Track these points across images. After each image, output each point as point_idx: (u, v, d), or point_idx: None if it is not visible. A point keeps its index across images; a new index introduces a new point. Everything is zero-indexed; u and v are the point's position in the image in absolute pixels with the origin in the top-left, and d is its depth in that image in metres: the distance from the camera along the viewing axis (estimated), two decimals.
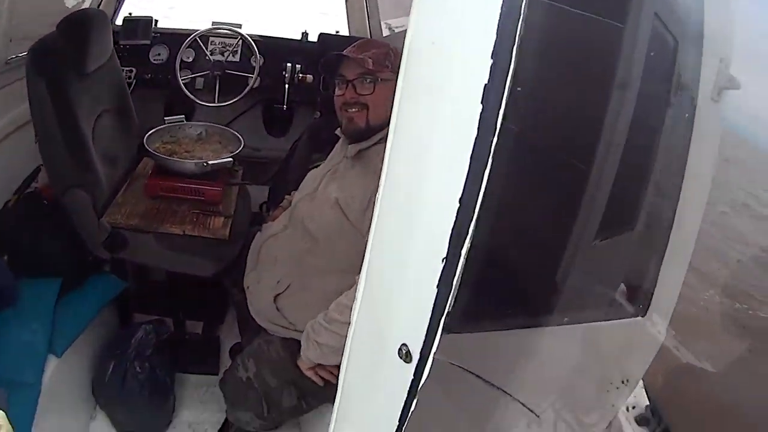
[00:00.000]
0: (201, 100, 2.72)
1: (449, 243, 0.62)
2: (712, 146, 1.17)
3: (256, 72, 2.73)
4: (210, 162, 2.03)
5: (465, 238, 0.62)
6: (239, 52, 2.84)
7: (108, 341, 2.07)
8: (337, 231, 1.56)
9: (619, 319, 1.21)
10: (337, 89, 1.58)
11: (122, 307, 2.32)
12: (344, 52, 1.53)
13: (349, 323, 1.30)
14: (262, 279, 1.74)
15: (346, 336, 1.33)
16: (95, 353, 2.00)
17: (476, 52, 0.59)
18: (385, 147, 0.76)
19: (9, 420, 0.93)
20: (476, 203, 0.61)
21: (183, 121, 2.32)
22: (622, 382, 1.29)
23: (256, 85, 2.73)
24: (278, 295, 1.65)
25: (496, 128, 0.59)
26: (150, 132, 2.17)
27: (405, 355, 0.68)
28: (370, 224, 1.31)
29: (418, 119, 0.68)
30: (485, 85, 0.58)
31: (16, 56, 2.13)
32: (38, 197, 2.16)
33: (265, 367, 1.62)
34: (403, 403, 0.72)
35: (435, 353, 0.66)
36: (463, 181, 0.60)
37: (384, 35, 3.05)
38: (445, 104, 0.64)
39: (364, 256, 0.80)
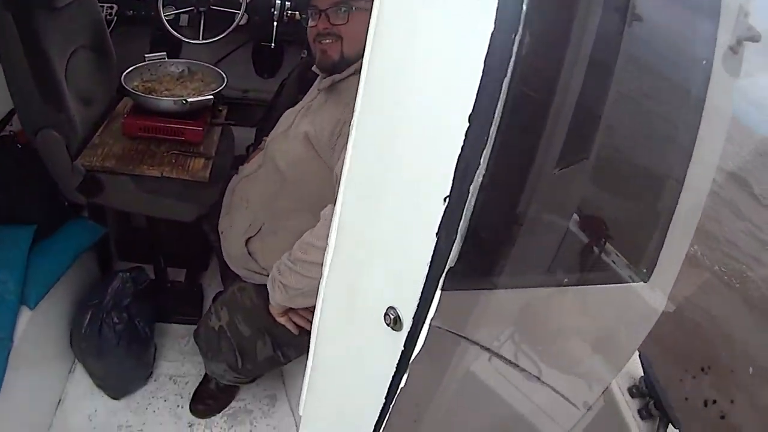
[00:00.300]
0: (186, 38, 2.54)
1: (454, 177, 0.49)
2: (725, 109, 1.05)
3: (242, 8, 2.54)
4: (190, 100, 1.89)
5: (476, 171, 0.48)
6: None
7: (86, 291, 2.00)
8: (306, 167, 1.49)
9: (621, 283, 1.09)
10: (310, 20, 1.49)
11: (102, 255, 2.24)
12: None
13: (315, 263, 1.20)
14: (234, 223, 1.68)
15: (313, 276, 1.25)
16: (73, 304, 1.94)
17: None
18: (359, 79, 0.64)
19: None
20: (491, 123, 0.47)
21: (164, 59, 2.16)
22: (618, 350, 1.22)
23: (243, 22, 2.56)
24: (250, 238, 1.60)
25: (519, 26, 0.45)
26: (128, 70, 2.02)
27: (393, 321, 0.55)
28: (341, 159, 1.23)
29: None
30: None
31: None
32: (12, 141, 2.05)
33: (238, 316, 1.57)
34: (390, 379, 0.58)
35: (432, 319, 0.52)
36: (474, 94, 0.46)
37: None
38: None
39: (335, 195, 0.69)
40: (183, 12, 2.56)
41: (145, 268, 2.07)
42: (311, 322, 1.50)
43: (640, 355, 1.45)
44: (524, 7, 0.46)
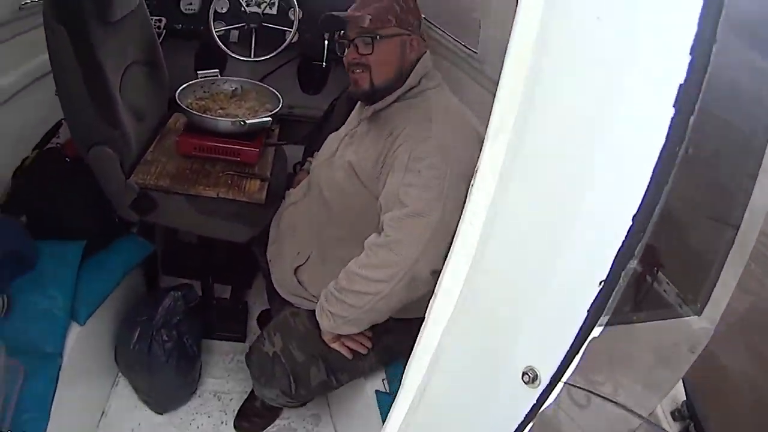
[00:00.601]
0: (235, 54, 2.56)
1: (613, 265, 0.55)
2: None
3: (294, 26, 2.56)
4: (248, 121, 1.89)
5: (629, 260, 0.54)
6: (276, 4, 2.66)
7: (133, 306, 1.98)
8: (351, 196, 1.49)
9: (678, 318, 1.13)
10: (345, 50, 1.48)
11: (149, 270, 2.22)
12: (347, 12, 1.43)
13: (360, 292, 1.33)
14: (282, 251, 1.70)
15: (358, 305, 1.35)
16: (119, 318, 1.93)
17: (668, 43, 0.49)
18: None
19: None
20: (650, 221, 0.52)
21: (217, 76, 2.17)
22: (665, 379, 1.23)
23: (294, 39, 2.57)
24: (298, 267, 1.61)
25: (686, 135, 0.49)
26: (182, 86, 2.03)
27: (531, 379, 0.60)
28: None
29: (573, 105, 0.56)
30: (681, 85, 0.48)
31: (31, 1, 2.00)
32: (59, 154, 2.07)
33: (292, 342, 1.56)
34: (516, 427, 0.63)
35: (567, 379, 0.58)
36: (642, 195, 0.52)
37: None
38: (619, 97, 0.53)
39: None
40: (234, 28, 2.58)
41: (193, 285, 2.07)
42: (364, 346, 1.51)
43: (683, 381, 1.45)
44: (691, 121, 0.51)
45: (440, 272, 1.24)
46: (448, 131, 1.37)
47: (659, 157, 0.51)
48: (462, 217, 0.72)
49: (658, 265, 1.07)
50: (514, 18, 0.63)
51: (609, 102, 0.55)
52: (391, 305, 1.34)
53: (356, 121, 1.58)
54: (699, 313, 1.13)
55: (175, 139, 1.99)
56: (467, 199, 0.71)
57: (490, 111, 0.66)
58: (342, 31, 1.46)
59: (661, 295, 1.06)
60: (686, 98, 0.49)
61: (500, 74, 0.63)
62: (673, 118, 0.50)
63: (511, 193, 0.64)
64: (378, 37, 1.39)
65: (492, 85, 2.02)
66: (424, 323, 0.82)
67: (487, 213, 0.67)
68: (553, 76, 0.58)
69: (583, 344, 0.57)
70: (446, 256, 1.18)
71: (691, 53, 0.48)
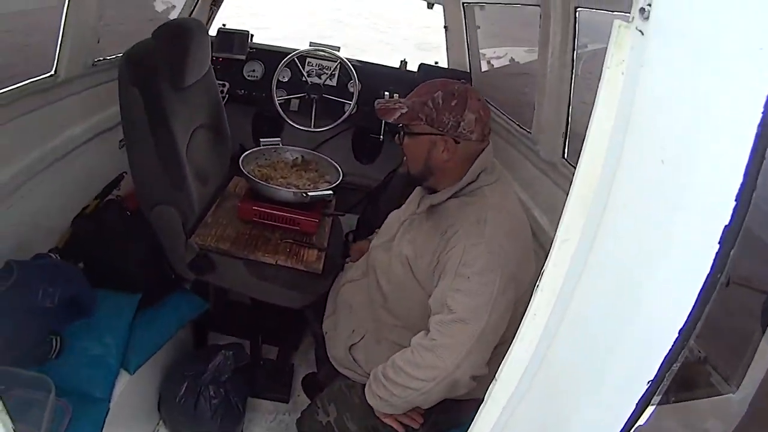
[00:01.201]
0: (295, 123, 2.63)
1: (660, 368, 0.65)
2: None
3: (354, 99, 2.63)
4: (310, 193, 1.92)
5: (674, 363, 0.65)
6: (337, 76, 2.75)
7: (181, 360, 2.00)
8: (406, 288, 1.49)
9: (715, 396, 1.21)
10: None
11: (198, 325, 2.22)
12: (382, 102, 1.49)
13: (403, 385, 1.34)
14: (338, 326, 1.68)
15: (399, 395, 1.36)
16: (166, 370, 1.95)
17: (718, 189, 0.60)
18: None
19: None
20: (692, 332, 0.64)
21: (279, 144, 2.21)
22: None
23: (353, 111, 2.63)
24: (353, 345, 1.60)
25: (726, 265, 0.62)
26: (246, 153, 2.08)
27: None
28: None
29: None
30: (725, 226, 0.60)
31: (104, 59, 2.10)
32: (119, 206, 2.13)
33: (347, 413, 1.55)
34: None
35: None
36: (687, 313, 0.63)
37: (483, 70, 2.92)
38: (675, 229, 0.64)
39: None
40: (295, 97, 2.65)
41: (243, 345, 2.08)
42: (416, 421, 1.48)
43: None
44: None
45: (480, 376, 1.30)
46: (501, 233, 1.35)
47: (704, 283, 0.61)
48: (527, 311, 0.76)
49: (701, 355, 1.11)
50: (568, 103, 0.78)
51: (666, 233, 0.63)
52: (432, 400, 1.35)
53: (415, 205, 1.56)
54: (735, 390, 1.16)
55: (237, 204, 2.01)
56: (532, 297, 0.75)
57: (543, 190, 0.76)
58: None
59: (700, 375, 1.16)
60: (729, 237, 0.59)
61: (570, 187, 0.70)
62: (717, 252, 0.60)
63: (576, 297, 0.72)
64: (402, 132, 1.43)
65: (545, 165, 2.06)
66: (483, 404, 0.85)
67: (551, 311, 0.73)
68: (617, 205, 0.67)
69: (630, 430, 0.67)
70: (488, 361, 1.31)
71: (736, 199, 0.58)
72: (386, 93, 2.67)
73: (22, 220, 1.76)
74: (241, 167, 1.99)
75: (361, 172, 3.00)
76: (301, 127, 2.61)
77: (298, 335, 2.39)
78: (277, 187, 1.98)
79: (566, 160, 1.96)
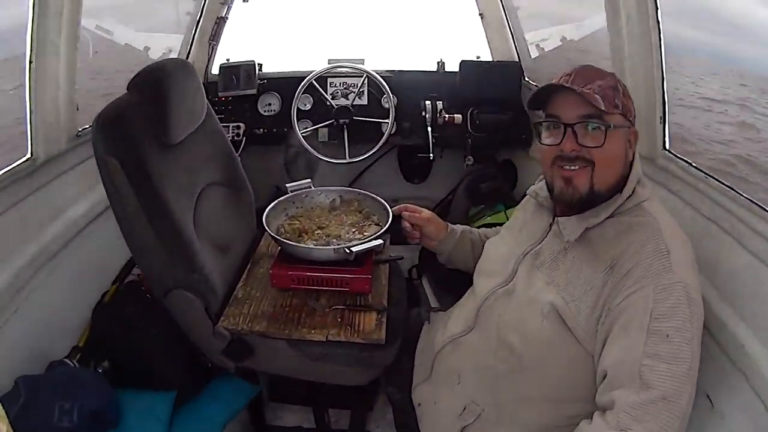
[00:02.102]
0: (327, 156, 2.22)
1: None
2: None
3: (391, 116, 2.21)
4: (354, 249, 1.49)
5: None
6: (366, 93, 2.34)
7: None
8: (555, 348, 1.14)
9: None
10: (544, 135, 1.18)
11: (254, 407, 1.93)
12: (566, 82, 1.13)
13: None
14: (440, 399, 1.37)
15: None
16: None
17: None
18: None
19: None
20: None
21: (310, 187, 1.80)
22: None
23: (393, 131, 2.21)
24: (466, 426, 1.28)
25: None
26: (270, 207, 1.68)
27: None
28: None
29: None
30: None
31: (89, 127, 1.77)
32: (139, 288, 1.86)
33: None
34: None
35: None
36: None
37: (533, 57, 2.46)
38: None
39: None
40: (321, 126, 2.26)
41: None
42: None
43: None
44: None
45: None
46: (689, 266, 1.06)
47: None
48: None
49: None
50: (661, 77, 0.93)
51: None
52: None
53: (539, 232, 1.28)
54: None
55: (269, 270, 1.60)
56: None
57: None
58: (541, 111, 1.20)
59: None
60: None
61: None
62: None
63: None
64: (611, 126, 1.09)
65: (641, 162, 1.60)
66: None
67: None
68: None
69: None
70: None
71: None
72: (427, 103, 2.24)
73: (32, 326, 1.54)
74: (266, 226, 1.58)
75: (415, 194, 2.62)
76: (335, 161, 2.20)
77: (371, 394, 2.01)
78: (311, 246, 1.57)
79: (669, 151, 1.56)
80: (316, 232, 1.66)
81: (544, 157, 1.19)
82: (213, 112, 1.70)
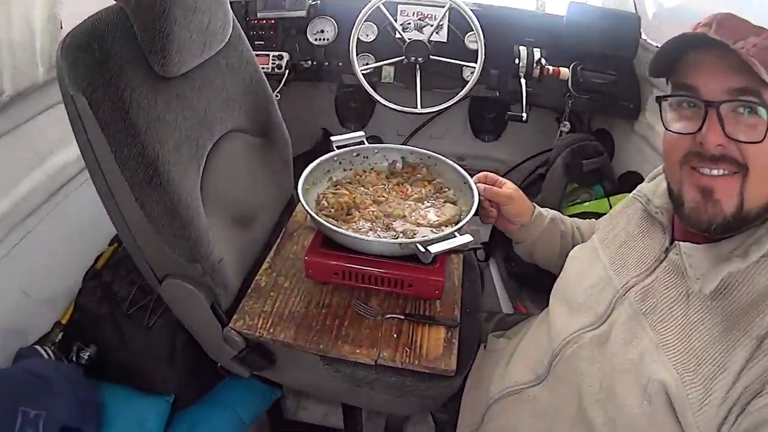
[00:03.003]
0: (391, 102, 1.74)
1: None
2: None
3: (479, 59, 1.70)
4: (433, 250, 0.98)
5: None
6: (446, 27, 1.83)
7: None
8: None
9: None
10: (671, 117, 0.80)
11: (273, 409, 1.62)
12: (708, 32, 0.72)
13: None
14: None
15: None
16: None
17: None
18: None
19: None
20: None
21: (363, 142, 1.33)
22: None
23: (477, 78, 1.71)
24: None
25: None
26: (308, 170, 1.21)
27: None
28: None
29: None
30: None
31: None
32: None
33: None
34: None
35: None
36: None
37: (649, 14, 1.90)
38: None
39: None
40: (387, 63, 1.77)
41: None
42: None
43: None
44: None
45: None
46: None
47: None
48: None
49: None
50: None
51: None
52: None
53: (650, 257, 0.88)
54: None
55: (303, 257, 1.15)
56: None
57: None
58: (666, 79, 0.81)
59: None
60: None
61: None
62: None
63: None
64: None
65: None
66: None
67: None
68: None
69: None
70: None
71: None
72: (521, 49, 1.73)
73: (7, 293, 1.28)
74: (301, 198, 1.12)
75: (483, 153, 2.26)
76: (403, 108, 1.72)
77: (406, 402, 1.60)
78: (366, 237, 1.09)
79: None
80: (371, 209, 1.21)
81: (669, 150, 0.80)
82: (243, 35, 1.23)
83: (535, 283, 1.74)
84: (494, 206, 1.14)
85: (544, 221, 1.17)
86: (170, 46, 0.91)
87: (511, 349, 1.11)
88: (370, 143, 1.31)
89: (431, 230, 1.14)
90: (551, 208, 1.23)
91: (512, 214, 1.14)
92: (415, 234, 1.12)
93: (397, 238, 1.11)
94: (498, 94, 1.83)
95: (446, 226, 1.15)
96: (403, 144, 2.22)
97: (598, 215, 1.50)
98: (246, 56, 1.23)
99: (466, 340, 1.17)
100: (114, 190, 0.96)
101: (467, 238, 1.01)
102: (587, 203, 1.66)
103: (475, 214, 1.12)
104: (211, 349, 1.25)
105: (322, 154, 1.26)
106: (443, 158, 1.29)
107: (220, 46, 1.09)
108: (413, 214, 1.19)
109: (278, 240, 1.36)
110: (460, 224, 1.08)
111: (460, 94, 1.69)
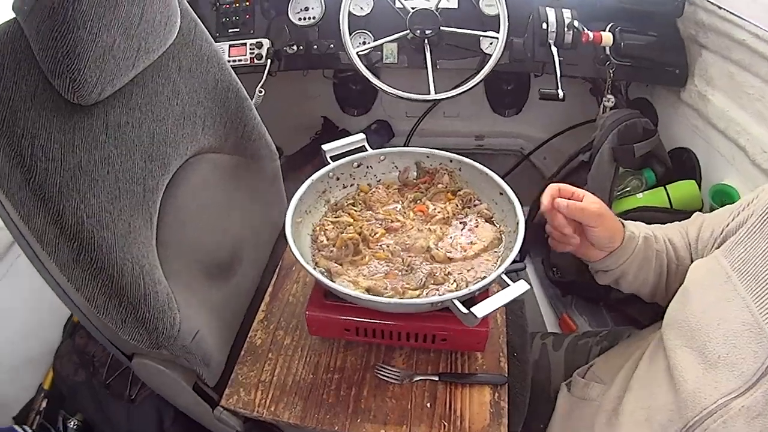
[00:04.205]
0: (397, 86, 1.42)
1: None
2: None
3: (502, 26, 1.39)
4: (480, 313, 0.71)
5: None
6: None
7: None
8: None
9: None
10: None
11: None
12: None
13: None
14: None
15: None
16: None
17: None
18: None
19: None
20: None
21: (364, 147, 1.04)
22: None
23: (501, 50, 1.40)
24: None
25: None
26: (297, 198, 0.92)
27: None
28: None
29: None
30: None
31: None
32: None
33: None
34: None
35: None
36: None
37: None
38: None
39: None
40: (389, 41, 1.46)
41: None
42: None
43: None
44: None
45: None
46: None
47: None
48: None
49: None
50: None
51: None
52: None
53: None
54: None
55: (305, 313, 0.89)
56: None
57: None
58: None
59: None
60: None
61: None
62: None
63: None
64: None
65: None
66: None
67: None
68: None
69: None
70: None
71: None
72: (549, 11, 1.42)
73: None
74: (291, 244, 0.83)
75: (507, 130, 2.02)
76: (415, 96, 1.41)
77: None
78: (387, 300, 0.80)
79: None
80: (384, 242, 0.93)
81: None
82: (200, 25, 0.93)
83: (583, 291, 1.48)
84: (576, 229, 0.86)
85: (637, 242, 0.89)
86: (81, 63, 0.64)
87: (613, 401, 0.86)
88: (375, 139, 1.02)
89: (466, 268, 0.87)
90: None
91: (602, 239, 0.86)
92: (447, 276, 0.85)
93: (424, 286, 0.84)
94: (522, 68, 1.52)
95: (485, 258, 0.88)
96: (414, 127, 1.95)
97: (657, 211, 1.22)
98: (207, 52, 0.94)
99: (516, 398, 0.92)
100: (48, 266, 0.71)
101: (522, 287, 0.74)
102: (641, 195, 1.38)
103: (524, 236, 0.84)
104: (207, 425, 1.01)
105: (324, 144, 0.99)
106: (469, 161, 1.00)
107: (163, 47, 0.80)
108: (440, 244, 0.91)
109: (273, 278, 1.10)
110: (506, 262, 0.80)
111: (484, 71, 1.38)
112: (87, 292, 0.69)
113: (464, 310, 0.72)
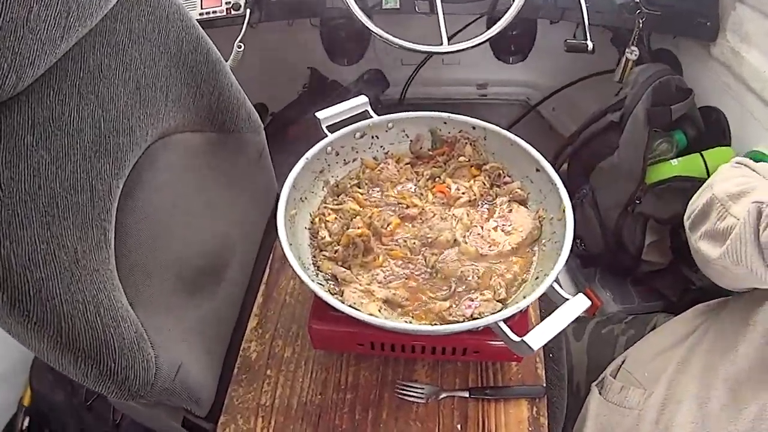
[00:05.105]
0: (402, 37, 1.21)
1: None
2: None
3: None
4: (534, 343, 0.56)
5: None
6: None
7: None
8: None
9: None
10: None
11: None
12: None
13: None
14: None
15: None
16: None
17: None
18: None
19: None
20: None
21: (367, 114, 0.86)
22: None
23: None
24: None
25: None
26: (289, 183, 0.74)
27: None
28: None
29: None
30: None
31: None
32: None
33: None
34: None
35: None
36: None
37: None
38: None
39: None
40: None
41: None
42: None
43: None
44: None
45: None
46: None
47: None
48: None
49: None
50: None
51: None
52: None
53: None
54: None
55: (306, 326, 0.74)
56: None
57: None
58: None
59: None
60: None
61: None
62: None
63: None
64: None
65: None
66: None
67: None
68: None
69: None
70: None
71: None
72: None
73: None
74: (285, 246, 0.66)
75: (512, 78, 1.88)
76: (428, 49, 1.21)
77: None
78: (412, 326, 0.64)
79: None
80: (400, 235, 0.77)
81: None
82: None
83: (609, 264, 1.34)
84: None
85: None
86: None
87: (656, 410, 0.75)
88: (369, 91, 0.85)
89: (506, 267, 0.71)
90: (633, 171, 1.02)
91: None
92: (480, 280, 0.69)
93: (453, 293, 0.68)
94: (542, 12, 1.33)
95: (525, 253, 0.73)
96: (412, 76, 1.76)
97: (692, 180, 1.07)
98: (167, 9, 0.73)
99: (554, 405, 0.80)
100: None
101: (583, 303, 0.59)
102: (676, 162, 1.22)
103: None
104: None
105: (313, 99, 0.81)
106: (496, 128, 0.83)
107: (105, 9, 0.60)
108: (469, 236, 0.75)
109: (266, 274, 0.94)
110: (559, 264, 0.64)
111: (506, 16, 1.18)
112: (33, 348, 0.53)
113: (515, 338, 0.57)
